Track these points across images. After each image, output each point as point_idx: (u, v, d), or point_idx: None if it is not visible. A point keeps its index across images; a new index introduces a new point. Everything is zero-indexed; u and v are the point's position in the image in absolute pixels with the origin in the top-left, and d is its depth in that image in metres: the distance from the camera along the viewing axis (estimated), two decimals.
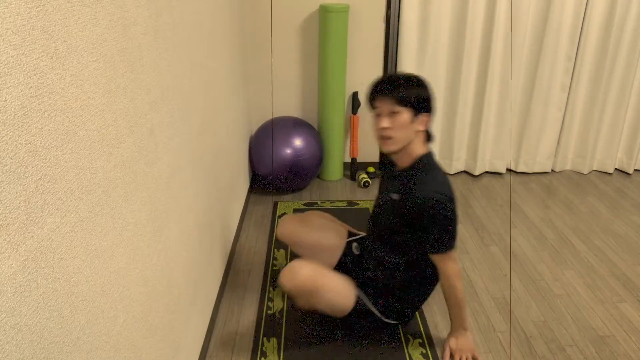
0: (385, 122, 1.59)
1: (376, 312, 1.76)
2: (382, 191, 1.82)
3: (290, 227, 1.93)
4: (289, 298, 1.99)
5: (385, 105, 1.59)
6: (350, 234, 2.00)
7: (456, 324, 1.74)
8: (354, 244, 1.97)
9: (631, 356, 1.75)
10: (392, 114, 1.59)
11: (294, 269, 1.63)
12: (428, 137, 1.69)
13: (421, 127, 1.63)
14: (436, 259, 1.66)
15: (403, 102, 1.57)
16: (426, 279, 1.77)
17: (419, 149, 1.65)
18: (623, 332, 1.86)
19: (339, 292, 1.69)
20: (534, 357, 1.74)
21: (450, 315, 1.74)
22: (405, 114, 1.58)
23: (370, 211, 1.92)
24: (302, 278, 1.61)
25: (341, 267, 1.91)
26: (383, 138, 1.62)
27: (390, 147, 1.63)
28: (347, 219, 2.64)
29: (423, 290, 1.81)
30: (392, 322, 1.81)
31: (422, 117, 1.61)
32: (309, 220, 1.96)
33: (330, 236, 1.96)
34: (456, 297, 1.67)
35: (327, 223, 1.99)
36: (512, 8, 2.84)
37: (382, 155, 1.84)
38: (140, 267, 1.11)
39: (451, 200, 1.60)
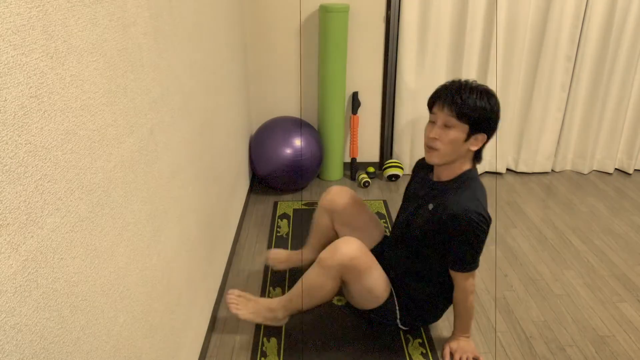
0: (435, 132, 1.49)
1: (398, 314, 1.75)
2: (412, 198, 1.71)
3: (345, 199, 1.90)
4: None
5: (442, 114, 1.48)
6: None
7: (459, 330, 1.74)
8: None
9: (631, 356, 1.75)
10: (446, 127, 1.48)
11: (351, 241, 1.61)
12: (477, 156, 1.57)
13: (474, 148, 1.52)
14: (457, 276, 1.59)
15: (461, 117, 1.45)
16: (449, 295, 1.71)
17: (463, 166, 1.55)
18: (623, 332, 1.86)
19: (381, 278, 1.68)
20: (534, 357, 1.74)
21: (455, 322, 1.74)
22: (459, 130, 1.47)
23: (396, 216, 1.82)
24: (358, 251, 1.59)
25: None
26: (429, 148, 1.53)
27: (433, 159, 1.53)
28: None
29: (443, 305, 1.77)
30: (403, 328, 1.81)
31: (479, 136, 1.50)
32: (361, 202, 1.95)
33: (374, 225, 1.94)
34: (467, 309, 1.67)
35: (372, 214, 1.98)
36: (512, 8, 2.84)
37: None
38: (140, 267, 1.11)
39: (486, 221, 1.50)
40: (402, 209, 1.78)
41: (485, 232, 1.51)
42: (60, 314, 0.78)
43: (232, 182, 2.32)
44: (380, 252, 1.84)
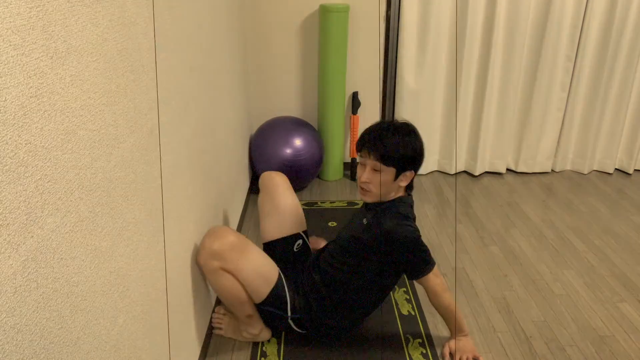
0: (366, 177, 1.60)
1: (288, 302, 1.69)
2: (350, 221, 1.82)
3: (281, 179, 1.94)
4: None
5: (369, 160, 1.58)
6: (303, 235, 1.95)
7: (454, 332, 1.74)
8: (299, 241, 1.91)
9: (631, 356, 1.75)
10: (375, 171, 1.58)
11: (220, 230, 1.58)
12: (409, 187, 1.68)
13: (403, 184, 1.63)
14: (422, 282, 1.65)
15: (387, 161, 1.56)
16: (359, 308, 1.74)
17: (397, 195, 1.66)
18: (623, 332, 1.86)
19: (263, 256, 1.67)
20: (534, 357, 1.74)
21: (446, 323, 1.75)
22: (387, 173, 1.58)
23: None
24: (229, 238, 1.56)
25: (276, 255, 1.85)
26: (362, 190, 1.64)
27: (366, 199, 1.65)
28: (347, 219, 2.64)
29: (350, 317, 1.76)
30: (297, 330, 1.75)
31: (407, 173, 1.61)
32: (291, 189, 1.95)
33: (296, 215, 1.92)
34: (446, 308, 1.68)
35: (299, 208, 1.95)
36: (512, 8, 2.84)
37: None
38: (140, 267, 1.11)
39: (412, 220, 1.62)
40: (341, 231, 1.84)
41: (419, 237, 1.60)
42: (60, 314, 0.78)
43: (232, 182, 2.32)
44: (315, 257, 1.85)
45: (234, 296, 1.64)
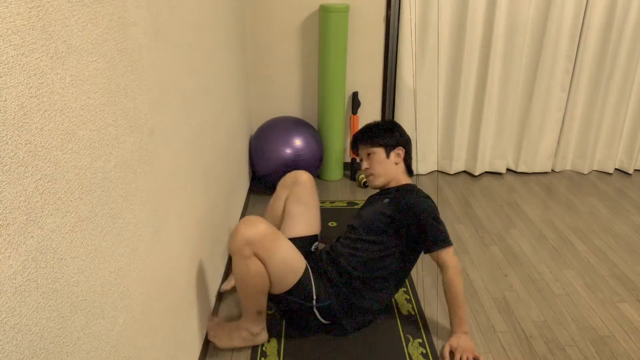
0: (364, 164, 1.92)
1: (314, 293, 1.71)
2: (364, 207, 1.96)
3: (308, 178, 2.01)
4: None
5: (363, 150, 1.92)
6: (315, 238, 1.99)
7: (456, 326, 1.74)
8: (316, 243, 1.98)
9: (631, 356, 1.75)
10: (369, 155, 1.89)
11: (254, 219, 1.60)
12: (408, 170, 1.95)
13: (398, 160, 1.90)
14: (439, 255, 1.72)
15: (375, 143, 1.89)
16: (383, 289, 1.81)
17: (402, 180, 1.91)
18: (623, 332, 1.86)
19: (292, 248, 1.69)
20: (534, 357, 1.74)
21: (450, 314, 1.75)
22: (379, 153, 1.88)
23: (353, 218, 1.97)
24: (263, 227, 1.59)
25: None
26: (368, 177, 1.93)
27: (375, 182, 1.91)
28: (347, 219, 2.64)
29: (376, 298, 1.80)
30: (323, 321, 1.77)
31: (397, 150, 1.89)
32: (316, 193, 2.04)
33: (315, 218, 2.00)
34: (457, 291, 1.71)
35: (318, 211, 2.03)
36: (512, 8, 2.84)
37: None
38: (140, 267, 1.11)
39: (435, 205, 1.79)
40: (357, 215, 1.96)
41: (437, 211, 1.77)
42: (60, 314, 0.78)
43: (232, 182, 2.32)
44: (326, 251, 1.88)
45: (258, 285, 1.63)
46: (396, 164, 1.89)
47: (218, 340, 1.75)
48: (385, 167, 1.88)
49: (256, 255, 1.58)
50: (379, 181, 1.89)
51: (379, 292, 1.80)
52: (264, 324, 1.75)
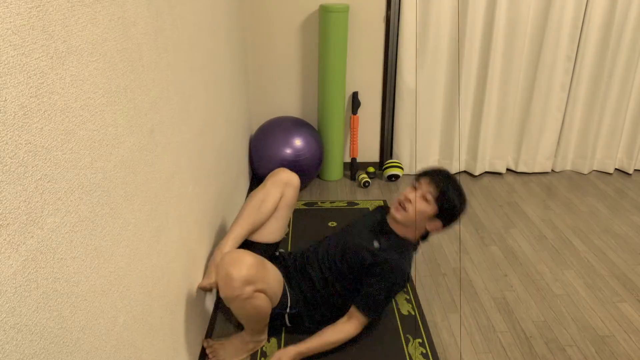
0: (412, 197, 1.71)
1: (289, 302, 1.74)
2: (359, 226, 1.85)
3: (297, 183, 1.93)
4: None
5: (427, 188, 1.70)
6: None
7: (300, 344, 1.70)
8: (281, 250, 1.99)
9: (631, 356, 1.75)
10: (424, 199, 1.70)
11: (239, 256, 1.52)
12: (425, 236, 1.81)
13: (429, 227, 1.75)
14: (354, 313, 1.69)
15: (439, 199, 1.69)
16: (338, 308, 1.79)
17: (410, 236, 1.77)
18: (623, 332, 1.86)
19: (278, 276, 1.70)
20: (534, 357, 1.74)
21: (306, 341, 1.70)
22: (430, 208, 1.70)
23: (335, 232, 1.92)
24: (249, 258, 1.52)
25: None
26: (400, 204, 1.74)
27: (397, 215, 1.74)
28: (347, 219, 2.64)
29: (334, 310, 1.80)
30: (288, 324, 1.80)
31: (438, 222, 1.73)
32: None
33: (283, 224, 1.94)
34: (332, 337, 1.70)
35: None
36: (512, 8, 2.84)
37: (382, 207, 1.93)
38: (140, 267, 1.11)
39: (404, 281, 1.71)
40: (344, 230, 1.88)
41: (400, 286, 1.71)
42: (60, 314, 0.78)
43: (232, 182, 2.32)
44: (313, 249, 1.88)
45: (265, 313, 1.64)
46: (426, 227, 1.76)
47: (222, 358, 1.71)
48: (420, 221, 1.73)
49: (257, 289, 1.54)
50: (401, 219, 1.74)
51: (339, 308, 1.79)
52: (267, 328, 1.76)
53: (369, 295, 1.68)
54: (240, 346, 1.73)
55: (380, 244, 1.73)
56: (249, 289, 1.50)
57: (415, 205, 1.71)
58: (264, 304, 1.59)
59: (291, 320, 1.79)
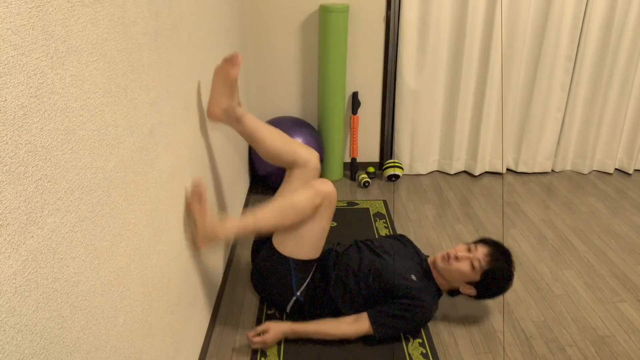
0: (462, 255, 1.78)
1: (303, 287, 1.79)
2: (403, 253, 1.90)
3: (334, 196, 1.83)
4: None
5: (481, 256, 1.77)
6: None
7: (296, 325, 1.75)
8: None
9: (631, 356, 1.75)
10: (472, 264, 1.76)
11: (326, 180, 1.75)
12: (454, 293, 1.87)
13: (462, 290, 1.82)
14: (363, 320, 1.74)
15: (485, 273, 1.75)
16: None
17: (442, 285, 1.85)
18: (623, 332, 1.86)
19: (323, 238, 1.79)
20: (534, 357, 1.74)
21: (306, 322, 1.77)
22: (472, 275, 1.76)
23: (373, 244, 1.94)
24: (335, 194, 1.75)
25: None
26: (448, 256, 1.80)
27: (439, 262, 1.82)
28: (347, 219, 2.64)
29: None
30: (288, 310, 1.84)
31: (472, 290, 1.79)
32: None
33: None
34: (326, 334, 1.75)
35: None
36: (512, 8, 2.84)
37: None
38: (140, 267, 1.11)
39: (429, 314, 1.77)
40: (379, 247, 1.91)
41: (417, 326, 1.78)
42: (60, 314, 0.78)
43: (232, 182, 2.32)
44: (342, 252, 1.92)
45: (291, 219, 1.68)
46: (459, 288, 1.82)
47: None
48: (456, 278, 1.79)
49: (318, 209, 1.69)
50: (440, 267, 1.82)
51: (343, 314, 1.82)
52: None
53: (387, 314, 1.74)
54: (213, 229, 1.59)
55: (417, 277, 1.79)
56: (318, 200, 1.69)
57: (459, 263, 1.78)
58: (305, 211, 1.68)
59: (293, 308, 1.82)
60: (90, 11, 0.88)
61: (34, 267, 0.71)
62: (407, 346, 1.78)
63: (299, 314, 1.84)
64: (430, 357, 1.73)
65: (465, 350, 1.77)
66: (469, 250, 1.80)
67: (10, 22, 0.66)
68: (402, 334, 1.81)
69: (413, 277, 1.79)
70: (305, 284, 1.79)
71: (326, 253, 1.89)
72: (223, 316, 1.93)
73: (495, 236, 2.50)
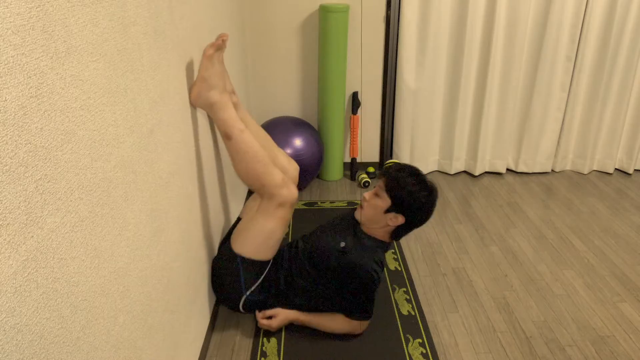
0: (367, 195, 1.75)
1: (251, 289, 1.77)
2: (333, 225, 1.87)
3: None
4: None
5: (378, 183, 1.73)
6: None
7: (302, 315, 1.80)
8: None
9: (631, 356, 1.75)
10: (376, 195, 1.71)
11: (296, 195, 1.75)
12: (395, 235, 1.77)
13: (391, 223, 1.71)
14: (347, 321, 1.77)
15: (389, 190, 1.68)
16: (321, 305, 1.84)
17: (381, 235, 1.76)
18: (623, 332, 1.86)
19: (278, 239, 1.77)
20: (534, 357, 1.74)
21: (313, 314, 1.81)
22: (383, 202, 1.69)
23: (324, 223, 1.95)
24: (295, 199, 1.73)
25: None
26: (360, 206, 1.79)
27: (357, 216, 1.80)
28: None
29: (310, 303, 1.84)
30: (242, 311, 1.83)
31: (398, 216, 1.69)
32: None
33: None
34: (327, 327, 1.80)
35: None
36: (512, 8, 2.84)
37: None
38: (140, 267, 1.11)
39: (382, 268, 1.74)
40: (323, 229, 1.89)
41: (372, 284, 1.71)
42: (60, 314, 0.78)
43: (231, 182, 2.32)
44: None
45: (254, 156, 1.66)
46: (387, 224, 1.72)
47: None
48: (376, 217, 1.72)
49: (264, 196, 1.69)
50: (361, 219, 1.78)
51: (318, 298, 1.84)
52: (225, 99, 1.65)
53: (348, 301, 1.74)
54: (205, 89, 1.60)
55: (346, 243, 1.74)
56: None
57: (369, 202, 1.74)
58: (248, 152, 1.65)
59: (246, 307, 1.81)
60: (90, 11, 0.88)
61: (34, 267, 0.71)
62: (407, 346, 1.78)
63: (256, 307, 1.85)
64: (430, 357, 1.73)
65: (465, 350, 1.77)
66: (374, 186, 1.83)
67: (10, 22, 0.66)
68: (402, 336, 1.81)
69: (342, 243, 1.74)
70: (257, 284, 1.77)
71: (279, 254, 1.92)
72: (223, 316, 1.93)
73: (495, 237, 2.50)
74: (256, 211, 1.75)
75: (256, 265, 1.76)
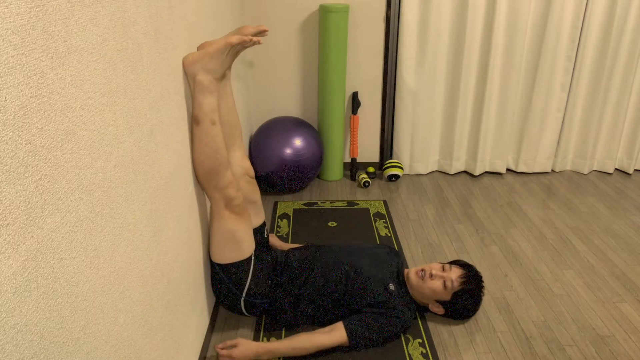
0: (436, 273, 1.83)
1: (246, 288, 1.75)
2: (379, 259, 1.92)
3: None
4: None
5: (455, 277, 1.82)
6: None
7: (265, 345, 1.68)
8: (266, 227, 2.00)
9: (631, 356, 1.75)
10: (444, 284, 1.81)
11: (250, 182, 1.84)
12: (420, 306, 1.92)
13: (431, 307, 1.88)
14: (339, 329, 1.71)
15: (455, 293, 1.81)
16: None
17: (414, 297, 1.89)
18: (623, 332, 1.86)
19: (250, 235, 1.75)
20: (534, 357, 1.74)
21: (284, 341, 1.69)
22: (443, 295, 1.82)
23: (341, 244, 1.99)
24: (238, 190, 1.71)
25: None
26: (422, 271, 1.85)
27: (412, 277, 1.87)
28: (347, 219, 2.64)
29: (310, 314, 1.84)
30: (247, 314, 1.83)
31: (441, 309, 1.86)
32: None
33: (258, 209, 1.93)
34: (301, 348, 1.68)
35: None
36: (512, 8, 2.84)
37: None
38: (140, 267, 1.11)
39: (406, 325, 1.79)
40: (351, 250, 1.93)
41: (393, 337, 1.77)
42: (60, 314, 0.78)
43: None
44: (313, 251, 1.94)
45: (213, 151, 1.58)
46: (429, 304, 1.88)
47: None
48: (427, 295, 1.84)
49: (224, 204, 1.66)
50: (414, 282, 1.86)
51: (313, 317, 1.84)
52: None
53: (363, 323, 1.72)
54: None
55: (394, 288, 1.81)
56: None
57: (431, 281, 1.82)
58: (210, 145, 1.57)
59: (250, 311, 1.81)
60: (90, 11, 0.88)
61: (34, 267, 0.71)
62: (407, 346, 1.78)
63: (267, 315, 1.86)
64: (430, 357, 1.73)
65: (465, 350, 1.77)
66: (443, 269, 1.85)
67: (10, 22, 0.66)
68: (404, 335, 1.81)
69: (391, 286, 1.80)
70: (248, 285, 1.75)
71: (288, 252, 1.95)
72: (223, 316, 1.93)
73: (495, 237, 2.50)
74: (210, 217, 1.72)
75: (236, 267, 1.73)
